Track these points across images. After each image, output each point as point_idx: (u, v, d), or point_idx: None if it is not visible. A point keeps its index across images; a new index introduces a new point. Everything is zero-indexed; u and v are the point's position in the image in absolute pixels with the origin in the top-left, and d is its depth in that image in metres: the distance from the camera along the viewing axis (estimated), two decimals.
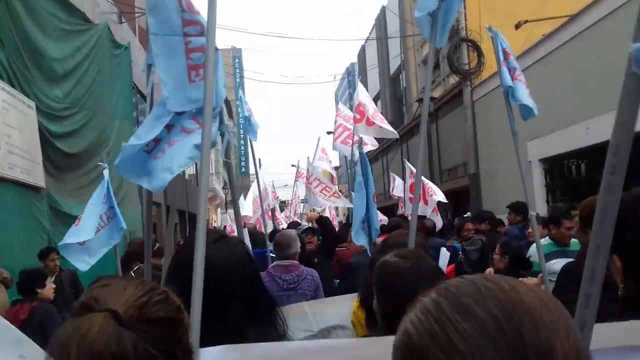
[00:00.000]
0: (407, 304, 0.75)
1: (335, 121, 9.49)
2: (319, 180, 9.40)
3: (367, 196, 4.36)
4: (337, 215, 13.15)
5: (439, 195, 8.24)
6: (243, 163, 73.48)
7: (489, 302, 0.67)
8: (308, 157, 11.74)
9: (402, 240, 2.54)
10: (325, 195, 9.13)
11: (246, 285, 1.75)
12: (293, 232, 4.98)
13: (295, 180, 14.66)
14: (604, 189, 1.07)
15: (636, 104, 1.01)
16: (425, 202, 7.77)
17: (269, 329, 1.78)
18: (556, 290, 2.76)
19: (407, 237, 2.56)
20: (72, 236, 4.82)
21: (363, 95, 8.02)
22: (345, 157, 9.51)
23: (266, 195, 9.64)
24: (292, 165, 37.87)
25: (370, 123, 7.47)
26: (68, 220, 8.52)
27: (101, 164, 5.52)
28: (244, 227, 8.19)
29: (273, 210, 11.97)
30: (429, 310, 0.70)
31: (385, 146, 27.02)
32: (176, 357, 0.99)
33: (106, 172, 5.31)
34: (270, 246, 6.02)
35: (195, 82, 2.35)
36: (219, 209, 42.02)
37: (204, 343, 1.50)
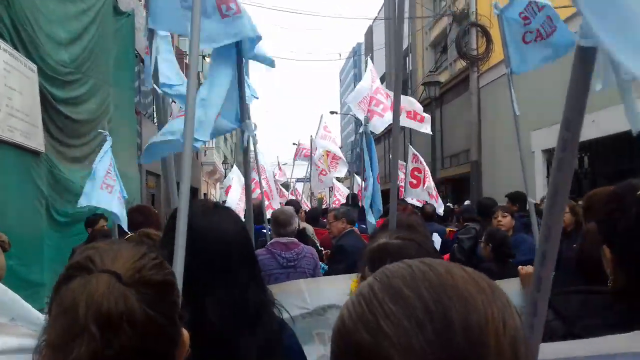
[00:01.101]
0: None
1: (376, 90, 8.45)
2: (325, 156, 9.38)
3: (373, 177, 4.31)
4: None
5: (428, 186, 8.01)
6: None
7: (419, 285, 0.66)
8: (311, 136, 11.58)
9: (402, 219, 2.50)
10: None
11: (246, 251, 1.73)
12: (291, 209, 4.91)
13: (295, 159, 14.41)
14: (555, 167, 1.04)
15: (586, 78, 0.99)
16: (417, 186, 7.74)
17: (266, 293, 1.77)
18: (556, 280, 2.73)
19: (408, 217, 2.52)
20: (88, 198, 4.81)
21: (368, 79, 7.87)
22: (356, 137, 8.98)
23: (263, 171, 9.50)
24: (294, 144, 37.71)
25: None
26: (68, 185, 8.50)
27: (102, 131, 5.41)
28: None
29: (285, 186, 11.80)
30: (363, 294, 0.70)
31: (389, 129, 26.94)
32: (174, 320, 0.99)
33: (108, 140, 5.23)
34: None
35: (228, 16, 2.48)
36: (218, 183, 42.04)
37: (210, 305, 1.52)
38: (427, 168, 8.05)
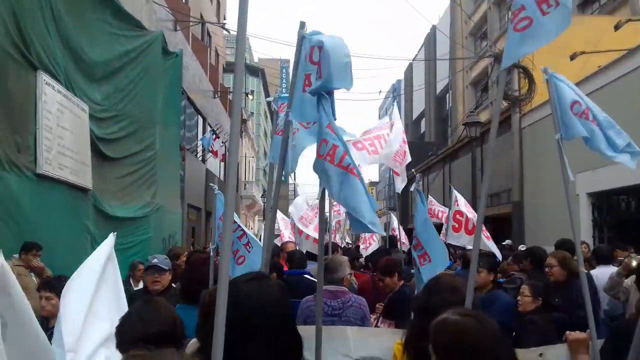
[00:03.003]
0: None
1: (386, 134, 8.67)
2: None
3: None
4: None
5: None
6: (283, 172, 73.82)
7: None
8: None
9: (448, 281, 2.45)
10: None
11: (279, 326, 1.72)
12: (343, 257, 4.84)
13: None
14: None
15: None
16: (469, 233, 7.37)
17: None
18: (604, 352, 2.62)
19: (454, 279, 2.48)
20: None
21: (395, 122, 7.72)
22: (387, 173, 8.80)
23: (312, 213, 9.29)
24: None
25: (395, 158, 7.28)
26: (110, 221, 8.71)
27: (213, 185, 5.24)
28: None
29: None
30: None
31: (427, 166, 26.76)
32: None
33: (220, 198, 4.89)
34: (308, 266, 5.91)
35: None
36: (256, 216, 42.38)
37: None
38: (468, 213, 7.66)
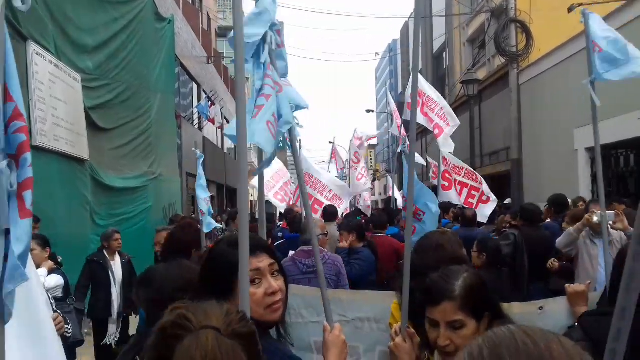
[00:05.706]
0: None
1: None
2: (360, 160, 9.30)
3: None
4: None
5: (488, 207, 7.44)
6: (281, 137, 73.55)
7: (521, 357, 0.75)
8: (351, 140, 11.55)
9: (433, 239, 2.46)
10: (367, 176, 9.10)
11: None
12: (315, 218, 5.16)
13: (330, 161, 14.16)
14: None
15: None
16: (458, 194, 7.43)
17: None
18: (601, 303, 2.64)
19: (441, 236, 2.49)
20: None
21: (427, 89, 7.97)
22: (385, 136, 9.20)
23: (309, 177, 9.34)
24: (330, 142, 37.74)
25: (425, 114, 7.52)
26: (108, 192, 8.71)
27: (195, 149, 5.93)
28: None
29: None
30: (473, 356, 0.80)
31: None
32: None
33: (200, 160, 5.66)
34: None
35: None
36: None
37: None
38: (463, 170, 7.63)
